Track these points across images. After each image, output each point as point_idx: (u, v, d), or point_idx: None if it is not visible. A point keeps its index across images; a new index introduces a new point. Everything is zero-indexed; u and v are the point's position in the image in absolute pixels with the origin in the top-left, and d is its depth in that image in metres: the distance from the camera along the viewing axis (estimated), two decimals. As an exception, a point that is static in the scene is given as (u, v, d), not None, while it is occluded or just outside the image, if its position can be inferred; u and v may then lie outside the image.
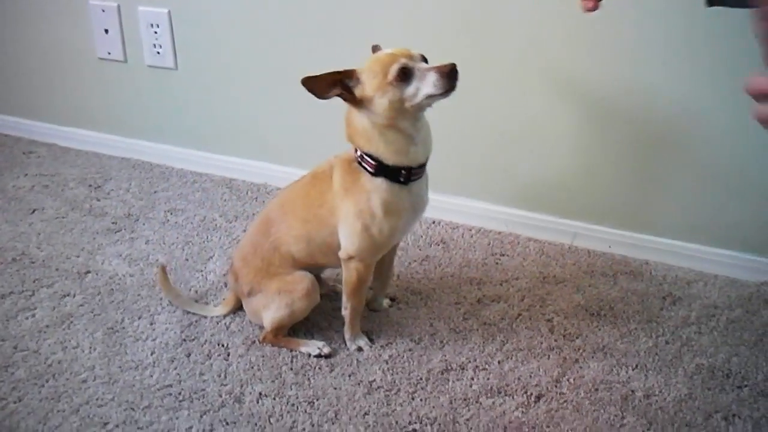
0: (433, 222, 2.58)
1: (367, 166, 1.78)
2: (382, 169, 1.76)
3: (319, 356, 1.94)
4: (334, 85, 1.70)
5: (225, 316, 2.10)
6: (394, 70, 1.66)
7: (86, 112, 3.19)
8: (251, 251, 2.01)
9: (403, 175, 1.77)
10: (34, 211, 2.70)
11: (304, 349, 1.96)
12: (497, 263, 2.35)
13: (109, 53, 3.00)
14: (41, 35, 3.14)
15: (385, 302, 2.14)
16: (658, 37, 2.14)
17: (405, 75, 1.67)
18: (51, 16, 3.07)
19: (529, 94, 2.36)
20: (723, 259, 2.28)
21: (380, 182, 1.77)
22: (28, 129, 3.34)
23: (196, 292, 2.21)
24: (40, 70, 3.22)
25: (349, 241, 1.84)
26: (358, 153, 1.79)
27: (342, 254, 1.87)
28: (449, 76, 1.67)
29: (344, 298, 1.95)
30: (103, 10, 2.93)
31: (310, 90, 1.68)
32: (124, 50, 2.97)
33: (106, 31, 2.96)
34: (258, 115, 2.80)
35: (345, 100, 1.73)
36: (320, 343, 1.97)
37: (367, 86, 1.69)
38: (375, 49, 1.81)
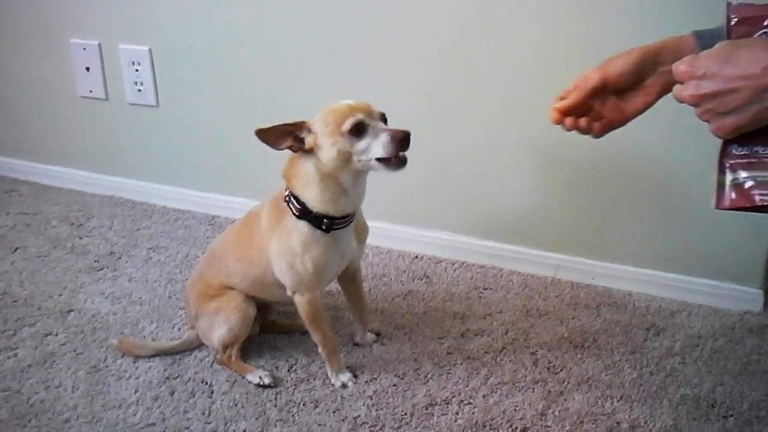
0: (416, 257, 2.58)
1: (292, 208, 1.80)
2: (305, 214, 1.79)
3: (259, 386, 1.96)
4: (286, 136, 1.72)
5: (190, 345, 2.12)
6: (349, 123, 1.67)
7: (68, 150, 3.18)
8: (198, 278, 2.09)
9: (325, 223, 1.79)
10: (16, 249, 2.69)
11: (249, 377, 1.99)
12: (480, 297, 2.35)
13: (91, 91, 3.01)
14: (23, 73, 3.14)
15: (370, 337, 2.14)
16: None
17: (359, 130, 1.68)
18: (32, 55, 3.08)
19: (510, 126, 2.36)
20: (706, 289, 2.29)
21: (302, 225, 1.80)
22: (9, 167, 3.34)
23: (179, 329, 2.20)
24: (22, 109, 3.22)
25: (282, 278, 1.89)
26: (287, 192, 1.82)
27: (287, 291, 1.91)
28: (401, 142, 1.67)
29: (312, 336, 1.97)
30: (85, 48, 2.94)
31: (264, 141, 1.70)
32: (106, 88, 2.98)
33: (88, 69, 2.97)
34: (240, 151, 2.80)
35: (294, 151, 1.75)
36: (263, 373, 1.99)
37: (319, 135, 1.70)
38: None
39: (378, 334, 2.16)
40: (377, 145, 1.68)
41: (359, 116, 1.68)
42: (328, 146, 1.69)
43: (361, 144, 1.68)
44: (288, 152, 1.79)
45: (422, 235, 2.60)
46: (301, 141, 1.72)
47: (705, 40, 1.39)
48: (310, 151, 1.73)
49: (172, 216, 2.94)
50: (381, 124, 1.71)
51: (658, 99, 1.45)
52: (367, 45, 2.46)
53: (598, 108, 1.51)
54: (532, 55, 2.26)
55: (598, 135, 1.52)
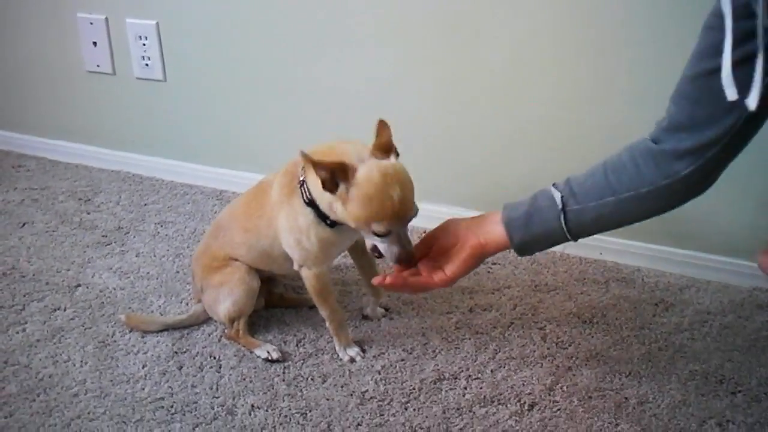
0: (424, 231, 2.56)
1: (303, 194, 1.78)
2: (314, 205, 1.77)
3: (267, 360, 1.96)
4: (327, 169, 1.60)
5: (197, 320, 2.12)
6: (378, 228, 1.63)
7: (75, 126, 3.18)
8: (203, 251, 2.10)
9: (330, 221, 1.78)
10: (23, 224, 2.69)
11: (257, 351, 1.99)
12: (489, 272, 2.35)
13: (98, 66, 3.00)
14: (30, 49, 3.13)
15: (380, 311, 2.14)
16: (650, 42, 2.14)
17: (384, 234, 1.65)
18: (39, 30, 3.07)
19: (519, 102, 2.35)
20: (715, 265, 2.28)
21: (309, 211, 1.79)
22: (17, 143, 3.33)
23: (187, 304, 2.20)
24: (29, 84, 3.21)
25: (289, 252, 1.90)
26: (302, 177, 1.78)
27: (294, 265, 1.92)
28: (403, 263, 1.67)
29: (320, 310, 1.98)
30: (92, 23, 2.93)
31: (307, 162, 1.61)
32: (113, 63, 2.96)
33: (95, 43, 2.96)
34: (248, 126, 2.80)
35: (324, 187, 1.65)
36: (271, 347, 1.99)
37: (351, 202, 1.63)
38: (380, 126, 1.70)
39: (386, 309, 2.16)
40: (386, 250, 1.68)
41: (392, 226, 1.64)
42: (351, 218, 1.65)
43: (377, 240, 1.67)
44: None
45: (430, 209, 2.57)
46: (335, 184, 1.63)
47: (509, 210, 1.63)
48: (334, 192, 1.66)
49: (180, 191, 2.94)
50: (402, 233, 1.67)
51: (475, 256, 1.64)
52: (375, 20, 2.44)
53: (423, 270, 1.67)
54: (540, 27, 2.25)
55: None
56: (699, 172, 1.49)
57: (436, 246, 1.68)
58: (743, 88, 1.29)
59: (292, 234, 1.85)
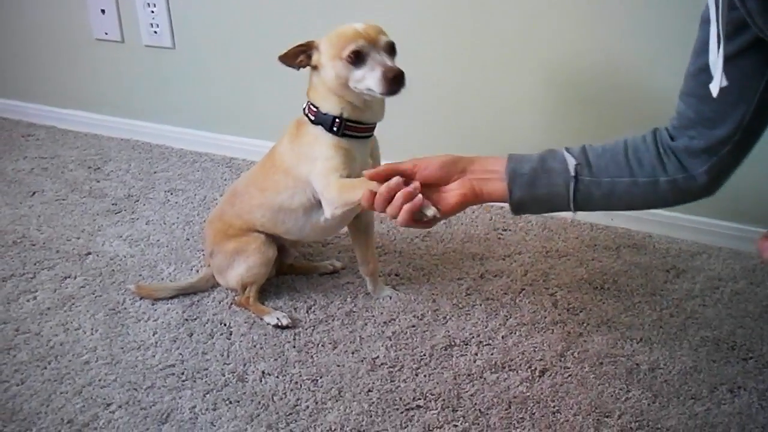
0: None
1: (309, 114, 1.83)
2: (319, 117, 1.80)
3: (277, 327, 1.96)
4: (299, 54, 1.77)
5: (207, 283, 2.13)
6: (347, 50, 1.69)
7: (84, 94, 3.18)
8: (218, 216, 2.10)
9: (336, 124, 1.78)
10: (33, 193, 2.69)
11: (266, 318, 1.99)
12: (499, 238, 2.34)
13: (106, 34, 2.99)
14: (37, 17, 3.12)
15: (387, 290, 2.11)
16: (652, 13, 2.12)
17: (357, 58, 1.69)
18: (47, -2, 3.07)
19: (526, 67, 2.34)
20: (726, 231, 2.27)
21: (320, 131, 1.81)
22: (26, 112, 3.34)
23: (197, 271, 2.20)
24: (37, 53, 3.21)
25: (316, 173, 1.83)
26: (306, 104, 1.85)
27: (318, 184, 1.83)
28: (393, 81, 1.67)
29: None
30: (99, -10, 2.92)
31: (285, 63, 1.77)
32: (121, 30, 2.96)
33: (103, 11, 2.95)
34: (257, 93, 2.79)
35: (303, 66, 1.81)
36: (281, 314, 1.99)
37: (322, 55, 1.75)
38: None
39: (397, 275, 2.15)
40: (371, 78, 1.69)
41: (360, 44, 1.69)
42: (328, 67, 1.74)
43: (357, 73, 1.70)
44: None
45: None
46: (310, 58, 1.78)
47: (515, 163, 1.55)
48: (317, 68, 1.78)
49: (189, 158, 2.94)
50: (381, 56, 1.71)
51: (464, 203, 1.56)
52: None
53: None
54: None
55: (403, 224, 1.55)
56: (714, 169, 1.47)
57: (429, 174, 1.57)
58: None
59: (309, 152, 1.84)
